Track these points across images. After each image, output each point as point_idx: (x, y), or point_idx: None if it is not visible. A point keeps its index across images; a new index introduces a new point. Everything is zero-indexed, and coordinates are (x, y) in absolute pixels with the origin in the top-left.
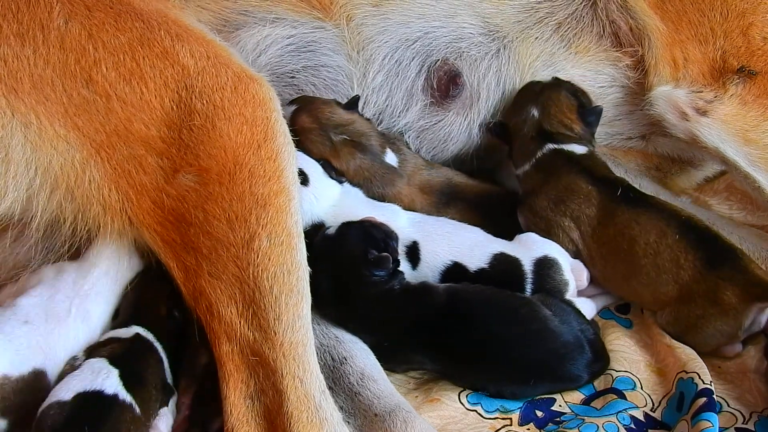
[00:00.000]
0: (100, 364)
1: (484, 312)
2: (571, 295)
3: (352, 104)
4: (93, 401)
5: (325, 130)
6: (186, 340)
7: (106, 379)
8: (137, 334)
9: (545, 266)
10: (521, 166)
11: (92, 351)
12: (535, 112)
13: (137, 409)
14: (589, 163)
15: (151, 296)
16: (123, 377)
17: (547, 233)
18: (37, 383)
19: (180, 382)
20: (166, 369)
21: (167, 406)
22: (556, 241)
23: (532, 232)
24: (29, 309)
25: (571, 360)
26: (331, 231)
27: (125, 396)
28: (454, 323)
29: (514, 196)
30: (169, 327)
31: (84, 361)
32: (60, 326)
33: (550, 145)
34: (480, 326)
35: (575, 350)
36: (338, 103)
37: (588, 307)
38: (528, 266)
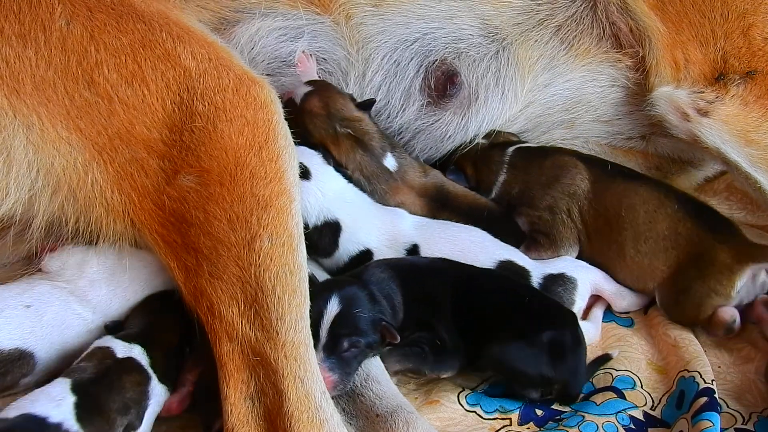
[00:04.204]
0: (60, 388)
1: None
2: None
3: (367, 106)
4: (34, 426)
5: (331, 119)
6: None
7: (57, 407)
8: (128, 358)
9: (556, 283)
10: (497, 178)
11: (81, 360)
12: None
13: None
14: (561, 149)
15: (167, 322)
16: (78, 406)
17: (552, 222)
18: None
19: (188, 360)
20: (149, 390)
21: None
22: (563, 228)
23: (535, 229)
24: (39, 294)
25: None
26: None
27: (71, 426)
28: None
29: (506, 211)
30: (173, 358)
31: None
32: (64, 314)
33: (510, 148)
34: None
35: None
36: (353, 100)
37: (592, 333)
38: (536, 279)
